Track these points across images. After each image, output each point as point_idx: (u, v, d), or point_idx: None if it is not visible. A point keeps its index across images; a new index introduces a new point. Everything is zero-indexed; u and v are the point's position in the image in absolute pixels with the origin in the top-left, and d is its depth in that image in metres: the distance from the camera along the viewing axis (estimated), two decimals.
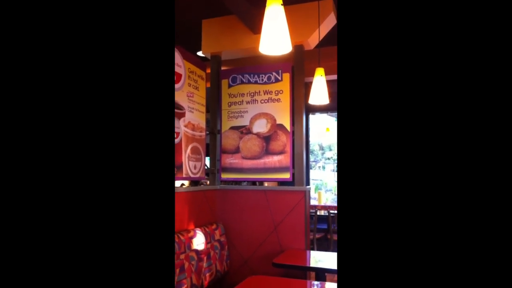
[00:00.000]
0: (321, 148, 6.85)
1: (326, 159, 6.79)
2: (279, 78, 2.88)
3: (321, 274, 2.36)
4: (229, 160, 2.98)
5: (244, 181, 3.17)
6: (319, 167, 6.77)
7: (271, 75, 2.90)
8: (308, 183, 5.23)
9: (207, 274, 2.36)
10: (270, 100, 2.90)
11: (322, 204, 4.84)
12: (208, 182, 3.10)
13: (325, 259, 2.54)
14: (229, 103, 3.02)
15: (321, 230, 4.78)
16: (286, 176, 2.82)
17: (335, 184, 6.32)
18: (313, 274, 2.77)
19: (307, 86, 3.19)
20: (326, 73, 2.55)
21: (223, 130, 3.03)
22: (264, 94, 2.92)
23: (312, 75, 2.50)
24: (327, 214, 4.64)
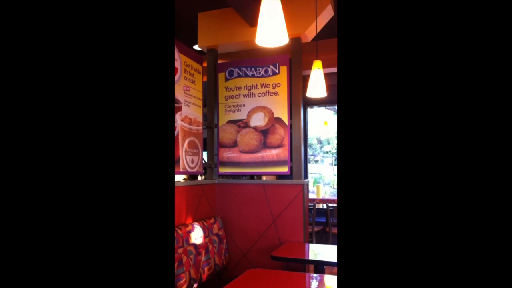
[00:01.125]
0: (319, 141, 6.85)
1: (324, 152, 6.80)
2: (277, 71, 2.86)
3: (320, 266, 2.37)
4: (227, 154, 2.97)
5: (242, 175, 3.16)
6: (317, 160, 6.77)
7: (268, 68, 2.88)
8: (306, 177, 5.23)
9: (206, 268, 2.37)
10: (267, 94, 2.88)
11: (321, 197, 4.84)
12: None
13: (324, 252, 2.55)
14: (226, 97, 3.00)
15: (319, 223, 4.79)
16: (284, 169, 2.82)
17: (334, 177, 6.34)
18: (312, 266, 2.78)
19: (305, 79, 3.18)
20: (324, 66, 2.54)
21: (220, 124, 3.01)
22: (262, 87, 2.90)
23: (310, 68, 2.48)
24: (325, 207, 4.65)
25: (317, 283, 1.89)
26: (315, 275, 1.99)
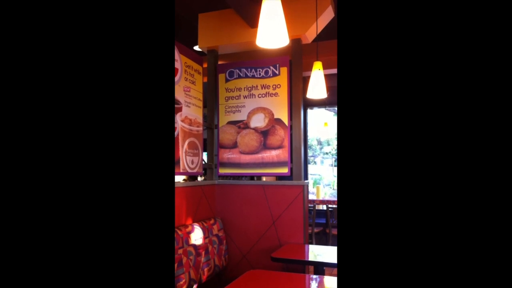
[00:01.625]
0: (319, 143, 6.85)
1: (324, 153, 6.80)
2: (277, 72, 2.87)
3: (320, 268, 2.36)
4: (227, 155, 2.97)
5: (242, 176, 3.16)
6: (317, 162, 6.77)
7: (268, 69, 2.89)
8: (306, 178, 5.23)
9: (206, 269, 2.36)
10: (267, 95, 2.89)
11: (321, 198, 4.84)
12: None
13: (324, 253, 2.55)
14: (226, 98, 3.00)
15: (319, 225, 4.79)
16: (284, 170, 2.81)
17: (334, 178, 6.34)
18: (311, 268, 2.78)
19: (305, 80, 3.18)
20: (324, 67, 2.54)
21: (220, 125, 3.02)
22: (262, 88, 2.90)
23: (310, 69, 2.48)
24: (325, 208, 4.65)
25: (316, 285, 1.89)
26: (315, 276, 1.99)
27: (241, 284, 1.75)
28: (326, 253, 2.49)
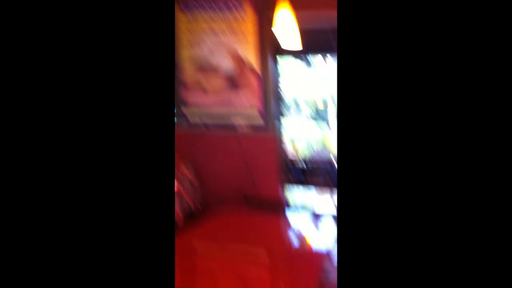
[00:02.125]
0: (296, 104, 6.82)
1: (300, 113, 6.79)
2: (240, 8, 2.66)
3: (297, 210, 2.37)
4: (192, 98, 2.81)
5: (214, 126, 3.01)
6: (295, 123, 6.77)
7: (229, 3, 2.66)
8: (281, 127, 5.21)
9: (180, 212, 2.35)
10: (231, 33, 2.69)
11: (299, 155, 4.85)
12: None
13: (302, 195, 2.55)
14: (186, 33, 2.78)
15: (297, 182, 4.82)
16: (258, 121, 2.73)
17: (311, 138, 6.35)
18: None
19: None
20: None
21: (180, 62, 2.79)
22: (224, 25, 2.69)
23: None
24: (304, 165, 4.66)
25: (292, 224, 1.88)
26: (290, 215, 1.99)
27: (213, 222, 1.73)
28: (305, 195, 2.49)
